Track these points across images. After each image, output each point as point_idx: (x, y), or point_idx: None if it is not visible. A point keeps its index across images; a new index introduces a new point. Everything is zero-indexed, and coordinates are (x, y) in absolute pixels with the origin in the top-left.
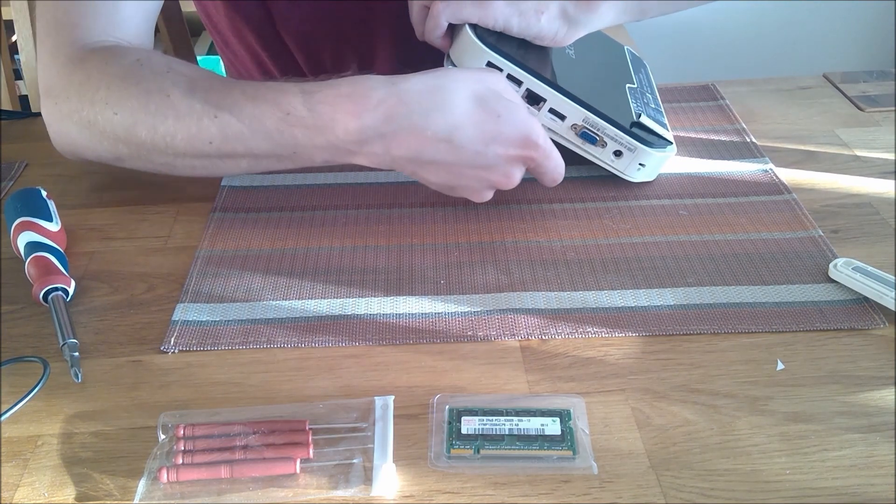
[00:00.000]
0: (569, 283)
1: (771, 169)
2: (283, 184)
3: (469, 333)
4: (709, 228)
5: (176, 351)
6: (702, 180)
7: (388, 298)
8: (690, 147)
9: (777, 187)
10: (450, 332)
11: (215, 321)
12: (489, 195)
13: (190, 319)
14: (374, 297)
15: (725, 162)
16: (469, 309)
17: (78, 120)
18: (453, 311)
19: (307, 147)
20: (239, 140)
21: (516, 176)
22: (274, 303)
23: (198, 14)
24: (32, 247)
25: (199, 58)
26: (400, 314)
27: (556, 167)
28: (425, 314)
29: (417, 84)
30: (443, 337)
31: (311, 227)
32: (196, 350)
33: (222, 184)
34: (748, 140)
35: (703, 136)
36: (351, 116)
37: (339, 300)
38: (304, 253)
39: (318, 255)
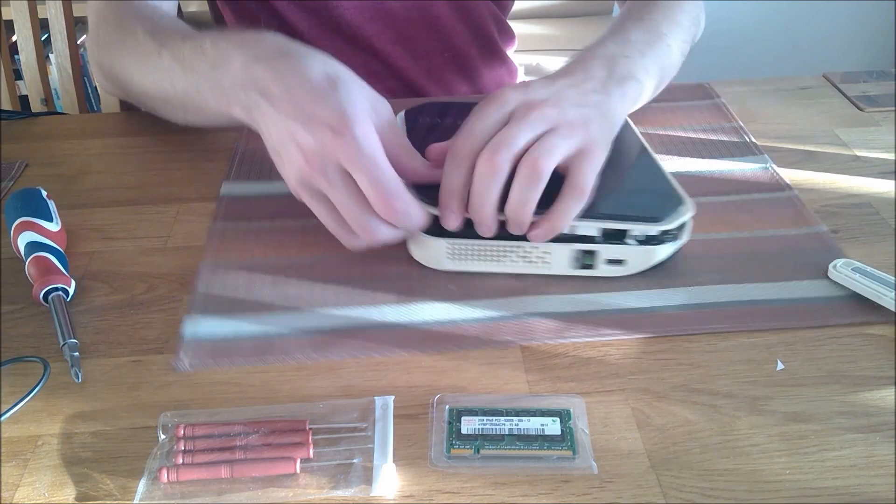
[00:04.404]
0: (581, 286)
1: (771, 166)
2: (285, 192)
3: (487, 339)
4: (714, 227)
5: (189, 369)
6: (704, 179)
7: (403, 307)
8: (690, 147)
9: (778, 184)
10: (466, 339)
11: (226, 336)
12: (294, 177)
13: (200, 334)
14: (387, 305)
15: (725, 160)
16: (484, 314)
17: (95, 61)
18: (469, 317)
19: (205, 86)
20: (168, 75)
21: (309, 147)
22: (286, 315)
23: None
24: (32, 247)
25: None
26: (415, 322)
27: (376, 183)
28: (440, 321)
29: (313, 61)
30: (462, 344)
31: (318, 236)
32: (210, 369)
33: (222, 193)
34: (746, 138)
35: (702, 135)
36: (239, 52)
37: (353, 309)
38: (311, 262)
39: (326, 263)
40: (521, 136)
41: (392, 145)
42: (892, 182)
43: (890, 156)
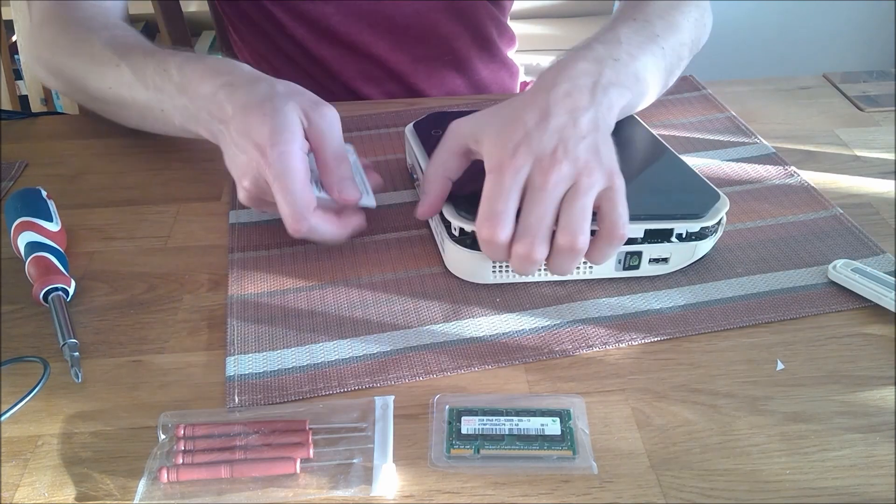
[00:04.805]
0: (625, 286)
1: (775, 153)
2: None
3: (545, 350)
4: (738, 217)
5: (242, 409)
6: (714, 171)
7: (451, 324)
8: (695, 141)
9: (785, 170)
10: (525, 351)
11: (273, 371)
12: (242, 196)
13: (245, 373)
14: (435, 323)
15: (729, 151)
16: (537, 324)
17: (31, 52)
18: (522, 328)
19: (170, 106)
20: (127, 87)
21: (243, 168)
22: (330, 343)
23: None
24: (32, 247)
25: None
26: (468, 338)
27: (284, 203)
28: (494, 335)
29: (263, 84)
30: (522, 356)
31: (343, 259)
32: (261, 403)
33: (230, 222)
34: (742, 127)
35: (701, 127)
36: (203, 82)
37: (400, 331)
38: (345, 284)
39: (361, 286)
40: (549, 216)
41: (325, 151)
42: (893, 182)
43: (890, 156)
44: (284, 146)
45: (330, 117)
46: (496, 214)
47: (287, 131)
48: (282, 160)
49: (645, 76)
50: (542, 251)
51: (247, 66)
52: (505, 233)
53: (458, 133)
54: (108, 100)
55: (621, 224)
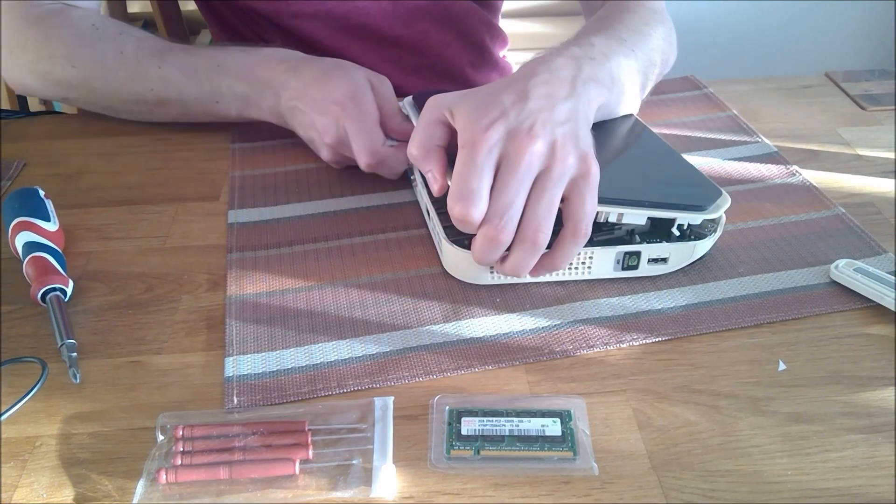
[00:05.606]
0: (625, 286)
1: (777, 152)
2: (296, 214)
3: (546, 350)
4: (740, 217)
5: (241, 410)
6: (715, 170)
7: (451, 324)
8: (696, 140)
9: (787, 170)
10: (526, 352)
11: (272, 371)
12: (325, 154)
13: (244, 374)
14: (435, 324)
15: (730, 150)
16: (538, 325)
17: (34, 70)
18: (522, 328)
19: (228, 96)
20: (174, 86)
21: (325, 126)
22: (330, 343)
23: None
24: (30, 247)
25: None
26: (468, 339)
27: (361, 146)
28: (494, 336)
29: (322, 64)
30: (522, 357)
31: (342, 258)
32: (260, 404)
33: (229, 222)
34: (744, 126)
35: (702, 126)
36: (265, 68)
37: (400, 332)
38: (345, 284)
39: (360, 286)
40: (521, 198)
41: (386, 109)
42: (894, 181)
43: (892, 155)
44: (361, 98)
45: (388, 83)
46: (469, 192)
47: (362, 88)
48: (359, 109)
49: (620, 76)
50: (509, 236)
51: (300, 52)
52: (479, 211)
53: (435, 105)
54: (147, 100)
55: (585, 224)
